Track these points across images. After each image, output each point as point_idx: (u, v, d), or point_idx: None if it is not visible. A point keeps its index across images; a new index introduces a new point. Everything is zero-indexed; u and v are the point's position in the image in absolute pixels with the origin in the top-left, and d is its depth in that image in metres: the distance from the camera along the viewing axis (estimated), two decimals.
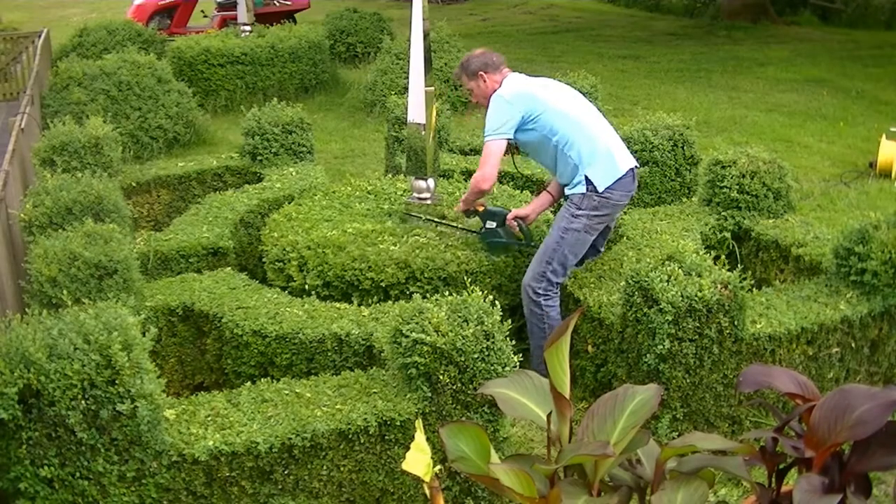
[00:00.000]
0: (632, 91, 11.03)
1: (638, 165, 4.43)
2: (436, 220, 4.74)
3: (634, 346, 3.75)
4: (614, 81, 11.37)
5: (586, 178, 4.19)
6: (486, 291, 3.88)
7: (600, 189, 4.18)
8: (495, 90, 4.35)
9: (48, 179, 4.71)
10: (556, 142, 4.26)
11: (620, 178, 4.22)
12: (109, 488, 2.93)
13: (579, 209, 4.21)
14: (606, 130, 4.37)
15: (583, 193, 4.21)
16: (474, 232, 4.58)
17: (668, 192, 5.63)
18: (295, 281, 4.52)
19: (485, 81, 4.40)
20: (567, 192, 4.33)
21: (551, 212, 4.82)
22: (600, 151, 4.22)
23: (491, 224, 4.48)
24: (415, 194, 4.94)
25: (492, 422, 3.30)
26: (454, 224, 4.68)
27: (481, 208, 4.53)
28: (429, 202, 4.91)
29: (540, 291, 4.21)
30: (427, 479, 2.24)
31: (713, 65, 12.63)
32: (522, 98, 4.27)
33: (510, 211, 4.53)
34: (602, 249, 4.62)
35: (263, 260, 4.85)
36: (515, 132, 4.28)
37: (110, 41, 10.55)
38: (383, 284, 4.34)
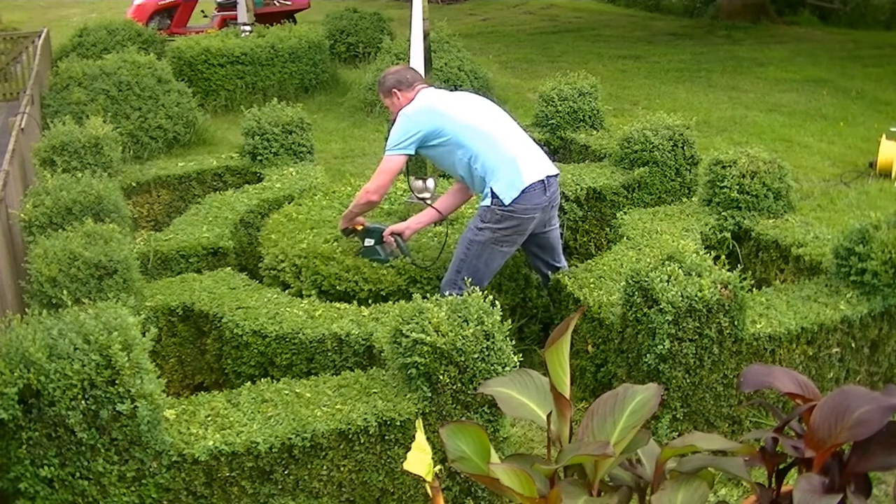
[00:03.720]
0: (632, 91, 11.03)
1: (554, 174, 4.33)
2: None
3: (634, 346, 3.75)
4: (614, 81, 11.37)
5: (491, 190, 4.19)
6: (485, 291, 3.88)
7: (506, 202, 4.15)
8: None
9: (48, 179, 4.71)
10: (461, 155, 4.28)
11: (525, 191, 4.17)
12: (109, 488, 2.93)
13: (483, 222, 4.22)
14: (517, 142, 4.33)
15: (487, 206, 4.21)
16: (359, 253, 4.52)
17: (668, 192, 5.63)
18: (292, 287, 4.51)
19: (398, 98, 4.43)
20: (480, 203, 4.33)
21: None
22: (505, 164, 4.20)
23: (369, 242, 4.49)
24: (414, 194, 4.94)
25: (492, 422, 3.30)
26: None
27: (360, 227, 4.53)
28: (428, 202, 4.91)
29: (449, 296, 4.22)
30: (429, 478, 2.24)
31: (713, 65, 12.63)
32: (425, 114, 4.30)
33: (387, 227, 4.51)
34: (559, 263, 4.59)
35: (260, 265, 4.84)
36: (423, 148, 4.32)
37: (110, 41, 10.56)
38: (383, 293, 4.34)
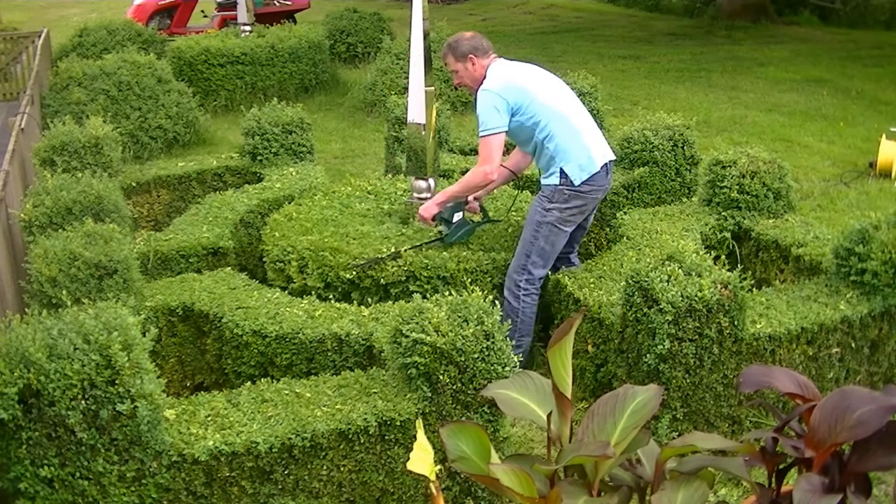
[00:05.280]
0: (632, 91, 11.03)
1: (614, 158, 4.52)
2: (395, 254, 4.42)
3: (634, 346, 3.75)
4: (614, 81, 11.37)
5: (562, 171, 4.26)
6: (485, 291, 3.88)
7: (576, 183, 4.26)
8: (482, 76, 4.39)
9: (48, 179, 4.71)
10: (537, 133, 4.33)
11: (595, 174, 4.30)
12: (109, 488, 2.92)
13: (550, 202, 4.29)
14: (587, 124, 4.43)
15: (555, 186, 4.27)
16: (437, 240, 4.52)
17: (668, 192, 5.63)
18: (295, 282, 4.52)
19: (473, 65, 4.42)
20: (542, 181, 4.40)
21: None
22: (578, 146, 4.29)
23: (458, 216, 4.56)
24: (415, 194, 4.94)
25: (492, 422, 3.30)
26: (417, 244, 4.49)
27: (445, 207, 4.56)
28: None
29: (521, 284, 4.28)
30: (432, 477, 2.24)
31: (713, 65, 12.63)
32: (511, 90, 4.32)
33: (464, 200, 4.60)
34: (575, 252, 4.68)
35: (264, 260, 4.85)
36: None
37: (110, 41, 10.55)
38: (383, 282, 4.34)
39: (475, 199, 4.73)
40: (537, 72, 4.55)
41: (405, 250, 4.43)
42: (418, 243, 4.50)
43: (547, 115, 4.32)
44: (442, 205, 4.55)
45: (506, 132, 4.35)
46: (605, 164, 4.37)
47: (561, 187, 4.28)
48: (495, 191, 5.12)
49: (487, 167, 4.38)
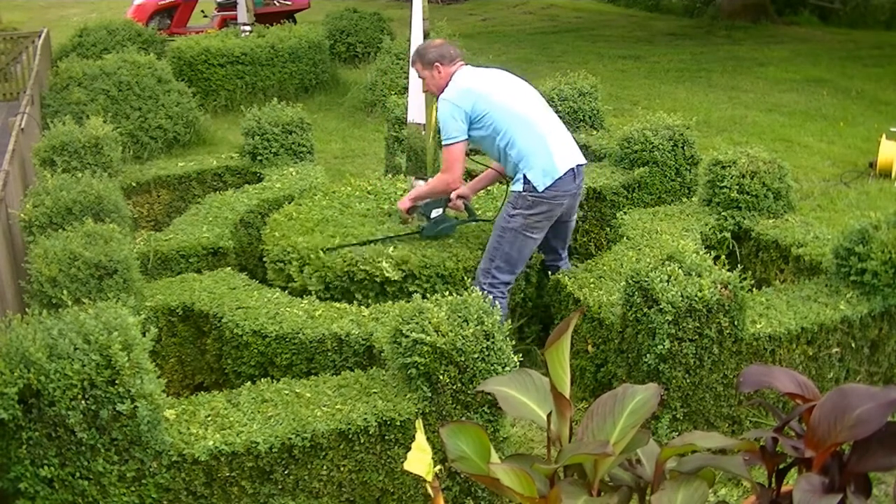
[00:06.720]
0: (632, 91, 11.03)
1: (584, 162, 4.44)
2: (374, 239, 4.60)
3: (634, 346, 3.75)
4: (614, 81, 11.36)
5: (524, 177, 4.25)
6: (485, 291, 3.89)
7: (539, 189, 4.22)
8: (446, 84, 4.41)
9: (48, 179, 4.71)
10: (499, 140, 4.33)
11: (559, 179, 4.24)
12: (109, 488, 2.93)
13: (515, 208, 4.28)
14: (553, 128, 4.38)
15: (519, 192, 4.27)
16: (413, 233, 4.62)
17: (668, 192, 5.63)
18: (295, 281, 4.52)
19: (439, 73, 4.44)
20: (510, 187, 4.40)
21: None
22: (542, 152, 4.25)
23: (437, 211, 4.61)
24: None
25: (492, 422, 3.30)
26: (391, 236, 4.63)
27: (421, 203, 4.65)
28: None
29: (485, 287, 4.27)
30: (429, 478, 2.24)
31: (713, 65, 12.63)
32: (466, 98, 4.33)
33: (448, 196, 4.63)
34: (563, 254, 4.66)
35: (264, 260, 4.85)
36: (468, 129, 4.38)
37: (110, 41, 10.55)
38: (378, 280, 4.34)
39: (459, 196, 4.69)
40: (501, 77, 4.52)
41: (378, 240, 4.52)
42: (392, 235, 4.58)
43: (507, 122, 4.29)
44: (414, 200, 4.62)
45: (467, 140, 4.37)
46: (573, 168, 4.31)
47: (525, 193, 4.25)
48: (494, 189, 5.12)
49: (448, 176, 4.42)
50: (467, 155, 4.61)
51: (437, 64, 4.42)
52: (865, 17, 16.90)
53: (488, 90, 4.35)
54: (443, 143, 4.39)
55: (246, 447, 3.03)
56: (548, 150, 4.26)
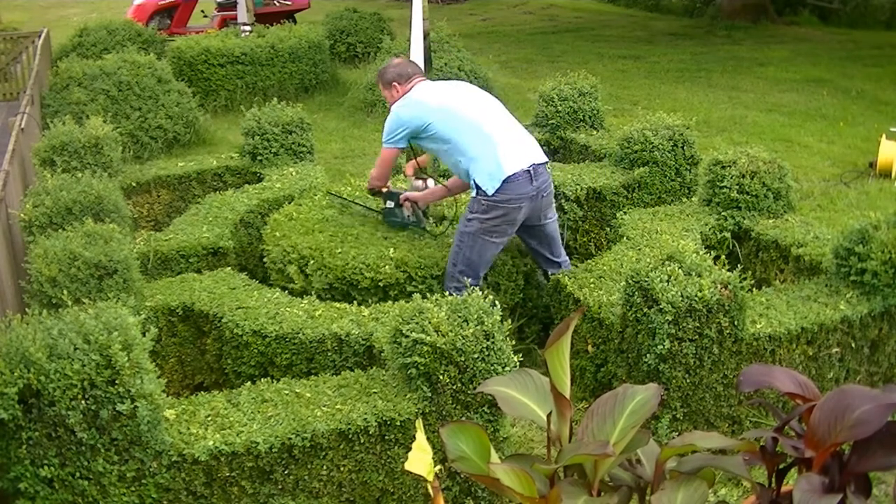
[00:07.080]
0: (632, 91, 11.03)
1: (541, 161, 4.36)
2: (350, 201, 5.08)
3: (634, 346, 3.75)
4: (614, 81, 11.37)
5: (475, 182, 4.27)
6: (485, 291, 3.88)
7: (489, 193, 4.22)
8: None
9: (48, 179, 4.71)
10: (447, 149, 4.38)
11: (508, 181, 4.20)
12: (109, 488, 2.93)
13: (471, 213, 4.32)
14: (500, 131, 4.34)
15: (474, 197, 4.31)
16: (376, 211, 4.90)
17: (668, 192, 5.63)
18: (295, 282, 4.52)
19: (396, 92, 4.52)
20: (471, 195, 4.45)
21: None
22: (487, 155, 4.25)
23: (389, 204, 4.78)
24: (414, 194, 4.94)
25: (492, 422, 3.30)
26: (363, 205, 5.03)
27: (384, 189, 4.78)
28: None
29: (451, 291, 4.26)
30: (430, 478, 2.24)
31: (713, 65, 12.63)
32: (412, 110, 4.40)
33: (404, 193, 4.76)
34: (559, 258, 4.63)
35: (264, 259, 4.85)
36: (417, 140, 4.46)
37: (110, 41, 10.55)
38: (381, 284, 4.34)
39: (407, 199, 4.72)
40: (453, 88, 4.56)
41: (344, 198, 5.03)
42: (369, 206, 4.97)
43: (454, 130, 4.32)
44: (372, 179, 4.82)
45: (399, 150, 4.59)
46: (527, 170, 4.24)
47: (478, 198, 4.27)
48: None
49: (375, 172, 4.72)
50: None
51: (394, 83, 4.53)
52: (865, 17, 16.90)
53: (435, 100, 4.41)
54: (382, 143, 4.56)
55: (246, 447, 3.03)
56: (495, 153, 4.24)
